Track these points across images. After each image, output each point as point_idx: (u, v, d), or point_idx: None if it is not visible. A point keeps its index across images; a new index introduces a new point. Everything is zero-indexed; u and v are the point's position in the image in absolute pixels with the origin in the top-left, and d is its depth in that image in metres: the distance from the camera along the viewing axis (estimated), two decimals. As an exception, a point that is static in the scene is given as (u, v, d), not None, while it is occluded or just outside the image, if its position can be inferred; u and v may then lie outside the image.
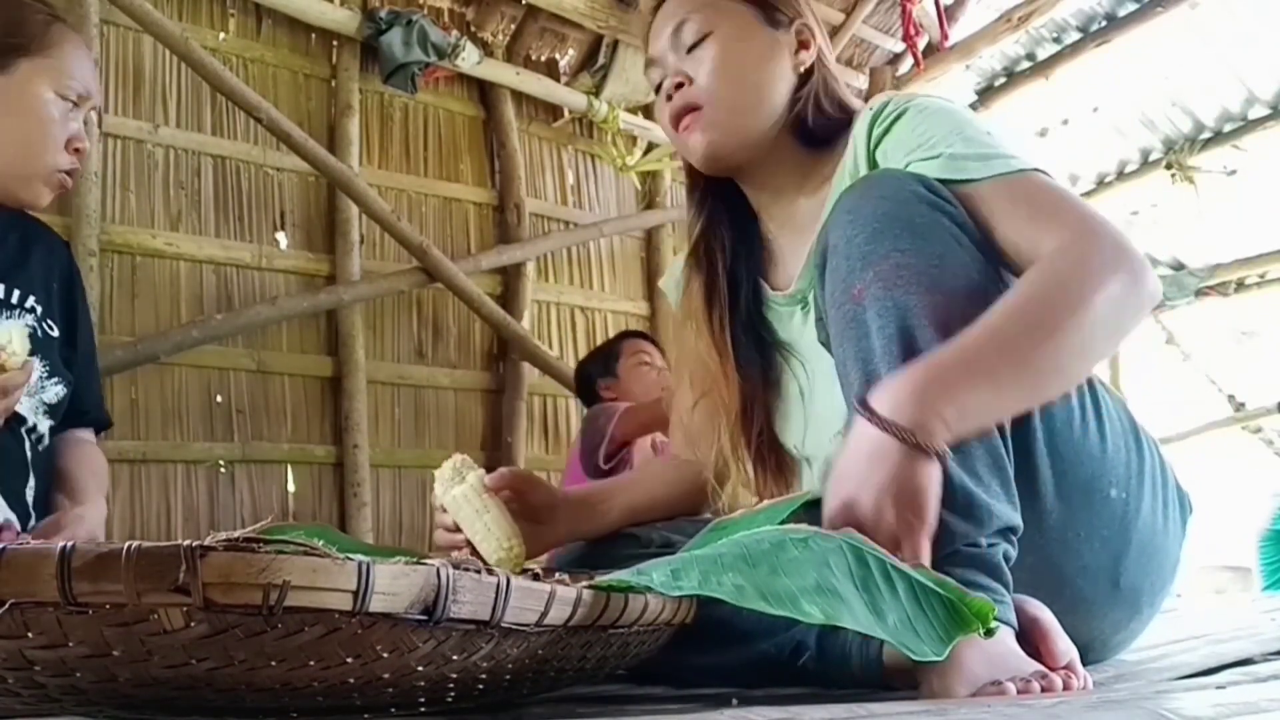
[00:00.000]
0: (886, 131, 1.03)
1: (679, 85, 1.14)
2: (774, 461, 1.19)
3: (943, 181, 0.93)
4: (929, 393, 0.80)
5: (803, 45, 1.18)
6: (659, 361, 2.76)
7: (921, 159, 0.97)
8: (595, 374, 2.84)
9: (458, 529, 1.12)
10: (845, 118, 1.16)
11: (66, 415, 1.38)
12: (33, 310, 1.34)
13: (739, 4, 1.17)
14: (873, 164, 1.04)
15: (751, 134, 1.14)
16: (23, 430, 1.29)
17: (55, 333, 1.38)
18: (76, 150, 1.33)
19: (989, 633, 0.70)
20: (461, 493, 1.10)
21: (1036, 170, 0.95)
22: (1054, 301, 0.86)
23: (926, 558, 0.79)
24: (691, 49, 1.15)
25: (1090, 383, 0.98)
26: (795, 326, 1.18)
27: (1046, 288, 0.87)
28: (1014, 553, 0.85)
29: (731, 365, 1.18)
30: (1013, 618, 0.83)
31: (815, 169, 1.16)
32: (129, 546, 0.50)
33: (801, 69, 1.17)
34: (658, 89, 1.20)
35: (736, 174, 1.20)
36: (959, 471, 0.83)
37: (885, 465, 0.79)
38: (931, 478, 0.79)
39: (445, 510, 1.13)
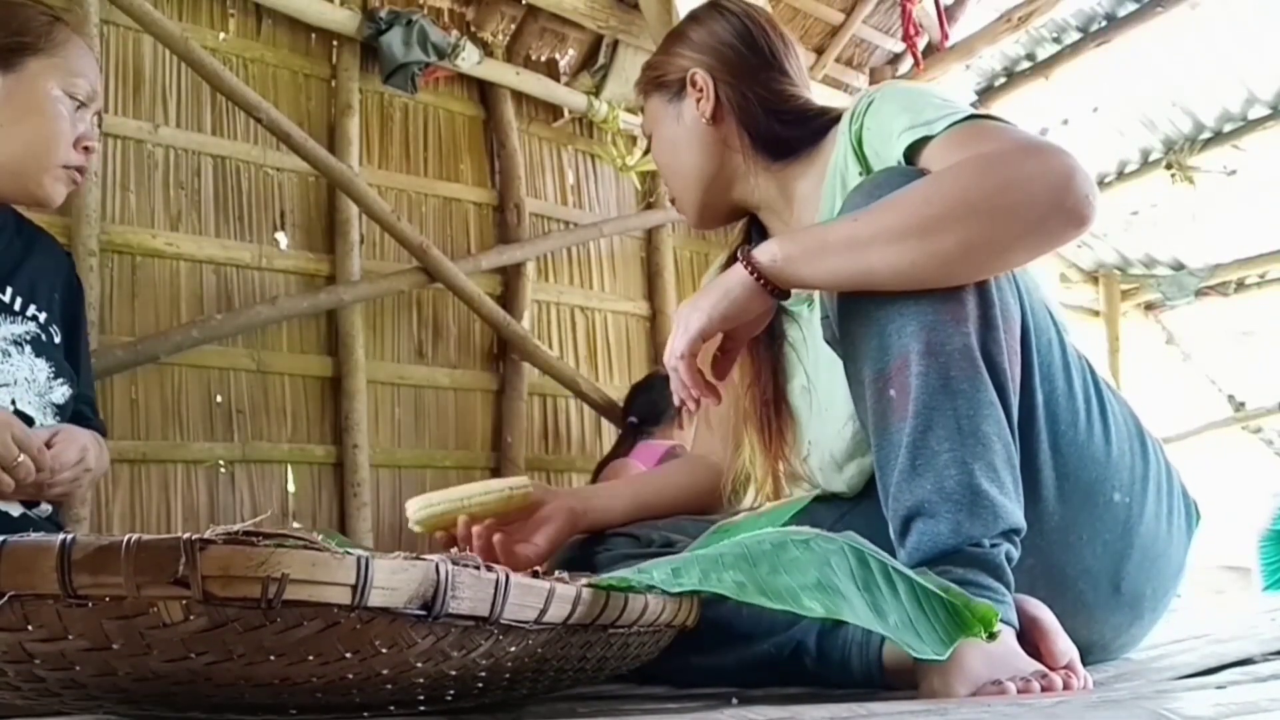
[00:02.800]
0: (863, 127, 1.04)
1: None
2: (778, 427, 1.20)
3: (908, 149, 0.94)
4: (782, 239, 0.95)
5: (699, 92, 1.19)
6: None
7: (896, 140, 0.97)
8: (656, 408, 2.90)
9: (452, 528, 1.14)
10: (813, 117, 1.17)
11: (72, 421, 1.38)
12: (35, 319, 1.35)
13: (653, 98, 1.25)
14: (861, 160, 1.05)
15: (710, 197, 1.22)
16: None
17: (58, 339, 1.39)
18: (86, 149, 1.34)
19: (991, 637, 0.70)
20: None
21: (988, 117, 0.94)
22: (914, 194, 0.87)
23: (681, 346, 0.96)
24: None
25: (1097, 385, 0.98)
26: (802, 323, 1.18)
27: (920, 184, 0.88)
28: (1016, 553, 0.85)
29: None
30: (1014, 617, 0.83)
31: (804, 172, 1.17)
32: (129, 539, 0.50)
33: (705, 118, 1.18)
34: None
35: (735, 215, 1.27)
36: (973, 469, 0.83)
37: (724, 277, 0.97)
38: (740, 282, 0.94)
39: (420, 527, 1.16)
